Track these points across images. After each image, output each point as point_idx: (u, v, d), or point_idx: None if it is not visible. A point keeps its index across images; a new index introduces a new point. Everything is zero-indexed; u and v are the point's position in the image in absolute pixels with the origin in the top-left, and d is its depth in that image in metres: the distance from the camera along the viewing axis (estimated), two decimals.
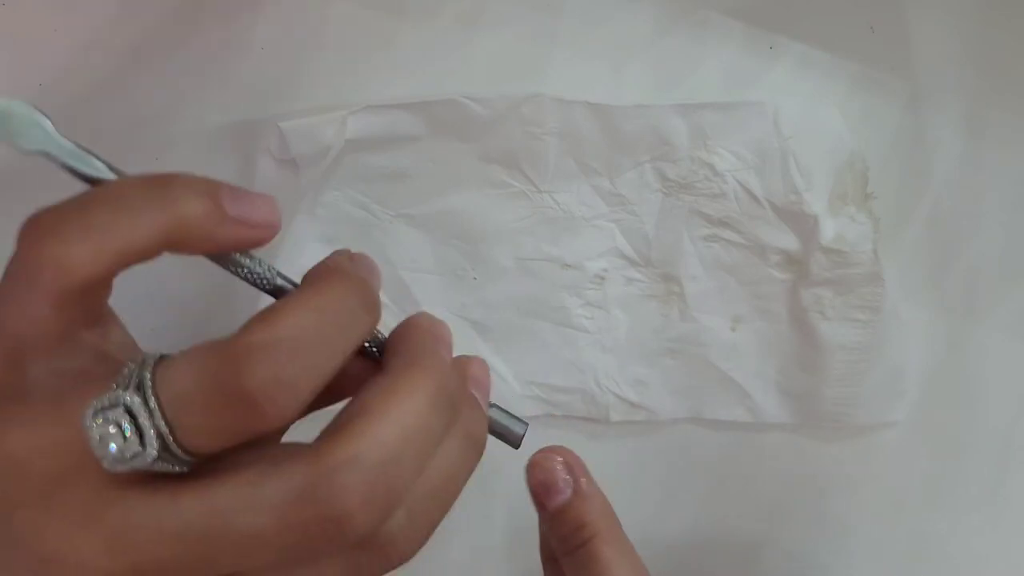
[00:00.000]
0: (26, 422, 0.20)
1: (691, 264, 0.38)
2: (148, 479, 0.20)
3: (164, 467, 0.19)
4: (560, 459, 0.28)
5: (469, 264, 0.38)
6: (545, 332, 0.38)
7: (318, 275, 0.23)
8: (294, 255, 0.36)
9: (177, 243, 0.21)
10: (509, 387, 0.39)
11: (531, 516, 0.29)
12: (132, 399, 0.19)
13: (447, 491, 0.22)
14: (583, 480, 0.28)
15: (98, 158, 0.21)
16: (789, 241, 0.37)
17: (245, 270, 0.23)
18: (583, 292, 0.38)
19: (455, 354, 0.25)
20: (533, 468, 0.28)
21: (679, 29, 0.37)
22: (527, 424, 0.27)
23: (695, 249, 0.38)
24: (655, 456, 0.41)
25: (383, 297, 0.38)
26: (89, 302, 0.21)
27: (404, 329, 0.24)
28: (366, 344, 0.24)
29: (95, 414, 0.19)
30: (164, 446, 0.19)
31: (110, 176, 0.21)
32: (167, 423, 0.19)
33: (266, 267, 0.23)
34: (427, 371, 0.22)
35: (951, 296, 0.39)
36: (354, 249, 0.37)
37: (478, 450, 0.24)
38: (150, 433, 0.18)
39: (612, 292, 0.38)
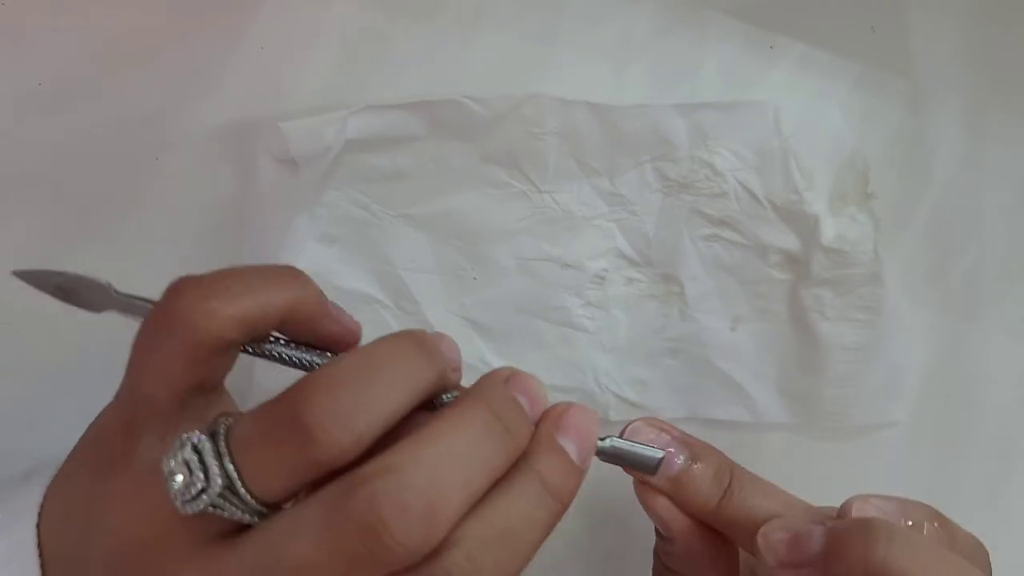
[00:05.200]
0: (128, 495, 0.21)
1: (691, 264, 0.38)
2: (226, 533, 0.21)
3: (235, 513, 0.20)
4: (651, 428, 0.28)
5: (469, 264, 0.38)
6: (545, 332, 0.38)
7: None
8: (294, 255, 0.36)
9: (294, 318, 0.23)
10: None
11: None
12: (200, 439, 0.20)
13: (516, 535, 0.21)
14: (681, 437, 0.28)
15: (151, 301, 0.24)
16: (789, 241, 0.37)
17: (295, 360, 0.24)
18: (583, 292, 0.38)
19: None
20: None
21: (679, 29, 0.37)
22: (662, 453, 0.27)
23: (695, 249, 0.38)
24: None
25: (383, 297, 0.38)
26: (214, 366, 0.23)
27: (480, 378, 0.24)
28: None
29: (170, 455, 0.20)
30: (230, 486, 0.20)
31: None
32: (234, 465, 0.20)
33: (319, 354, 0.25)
34: (479, 401, 0.22)
35: (951, 296, 0.39)
36: (354, 249, 0.37)
37: (557, 498, 0.22)
38: (214, 469, 0.20)
39: (612, 292, 0.38)
